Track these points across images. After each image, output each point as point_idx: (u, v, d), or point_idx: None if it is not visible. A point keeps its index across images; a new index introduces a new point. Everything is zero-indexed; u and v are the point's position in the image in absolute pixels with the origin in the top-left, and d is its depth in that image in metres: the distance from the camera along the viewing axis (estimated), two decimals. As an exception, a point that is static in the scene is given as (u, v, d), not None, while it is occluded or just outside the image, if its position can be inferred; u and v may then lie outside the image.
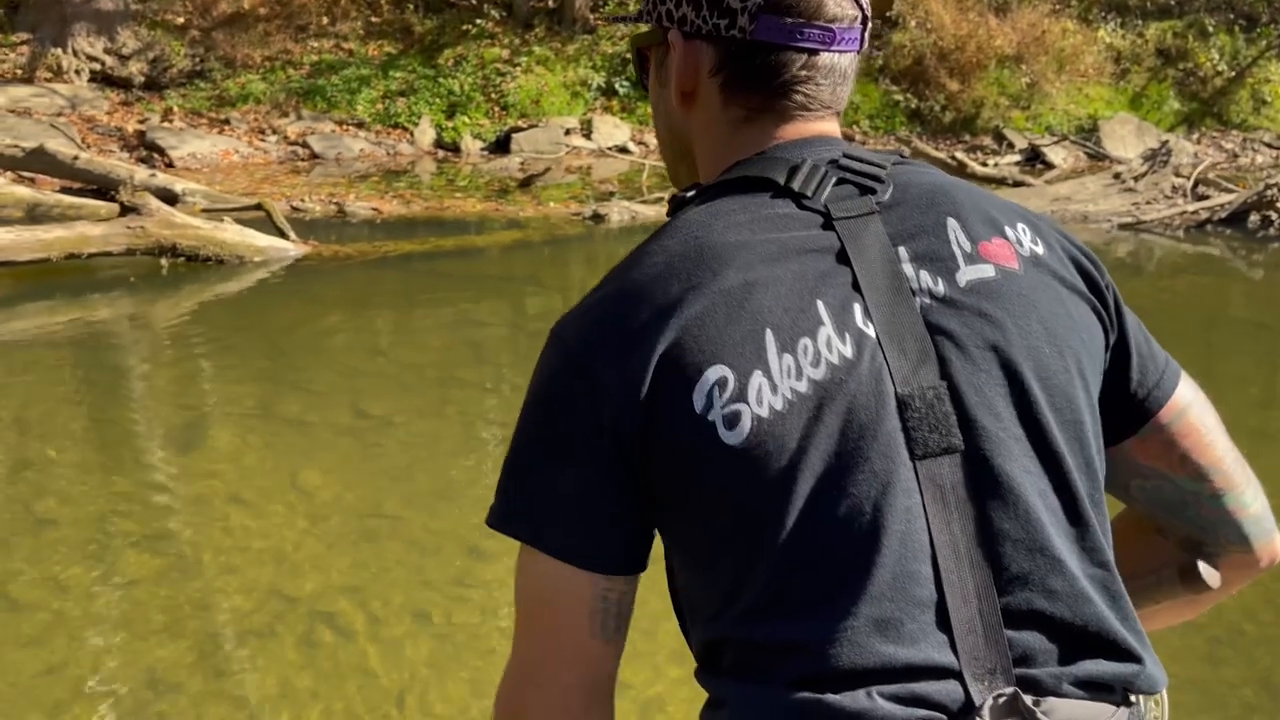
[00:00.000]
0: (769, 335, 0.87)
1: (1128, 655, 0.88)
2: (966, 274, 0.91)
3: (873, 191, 0.94)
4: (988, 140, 15.76)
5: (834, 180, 0.95)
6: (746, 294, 0.88)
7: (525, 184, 11.06)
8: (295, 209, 9.30)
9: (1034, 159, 14.75)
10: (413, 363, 5.54)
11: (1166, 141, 10.88)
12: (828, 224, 0.92)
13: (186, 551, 3.55)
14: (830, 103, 1.00)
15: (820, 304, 0.88)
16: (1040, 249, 0.95)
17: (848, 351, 0.87)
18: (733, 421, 0.85)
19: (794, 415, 0.85)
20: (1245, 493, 1.05)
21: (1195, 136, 15.77)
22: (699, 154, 1.04)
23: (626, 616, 0.93)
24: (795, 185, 0.94)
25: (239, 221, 7.39)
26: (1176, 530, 1.08)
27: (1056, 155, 14.69)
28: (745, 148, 0.99)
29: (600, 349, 0.88)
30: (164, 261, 6.90)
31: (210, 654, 2.99)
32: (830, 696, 0.82)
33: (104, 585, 3.33)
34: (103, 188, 9.21)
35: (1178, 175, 10.37)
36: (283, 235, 7.52)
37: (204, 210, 8.02)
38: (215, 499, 3.93)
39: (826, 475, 0.85)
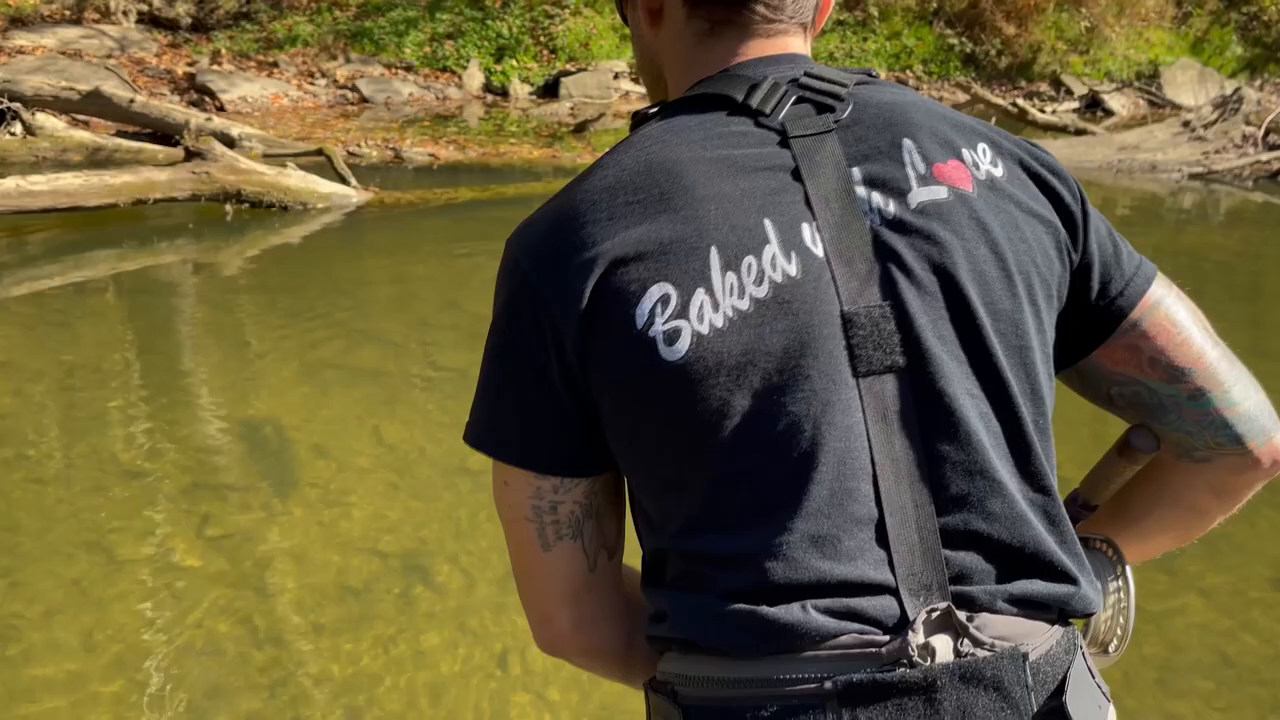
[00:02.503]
0: (713, 252, 0.87)
1: (1064, 577, 0.88)
2: (918, 195, 0.91)
3: (831, 110, 0.94)
4: (1044, 86, 15.41)
5: (793, 98, 0.94)
6: (693, 211, 0.88)
7: (579, 129, 10.94)
8: (351, 154, 9.25)
9: (1093, 106, 14.41)
10: (484, 314, 5.47)
11: (1239, 88, 10.56)
12: (784, 142, 0.92)
13: (276, 505, 3.55)
14: (794, 14, 0.99)
15: (768, 222, 0.88)
16: (999, 171, 0.94)
17: (792, 270, 0.87)
18: (673, 338, 0.86)
19: (734, 333, 0.86)
20: (1232, 390, 1.01)
21: (1258, 83, 15.33)
22: (668, 74, 1.04)
23: (590, 522, 0.97)
24: (753, 103, 0.94)
25: (299, 167, 7.34)
26: (1165, 436, 1.05)
27: (1116, 102, 14.35)
28: (709, 65, 0.99)
29: (544, 263, 0.90)
30: (228, 208, 6.88)
31: (311, 609, 2.99)
32: (765, 608, 0.83)
33: (197, 539, 3.33)
34: (158, 131, 9.20)
35: (1248, 123, 10.08)
36: (344, 181, 7.47)
37: (264, 156, 7.98)
38: (299, 451, 3.92)
39: (766, 392, 0.85)
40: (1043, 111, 12.65)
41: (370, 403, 4.36)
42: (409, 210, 7.49)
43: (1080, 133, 10.94)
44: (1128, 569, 1.08)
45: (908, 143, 0.92)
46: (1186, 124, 10.07)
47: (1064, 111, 13.53)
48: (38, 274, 6.10)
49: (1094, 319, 0.98)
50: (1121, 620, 1.06)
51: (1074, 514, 1.15)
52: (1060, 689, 0.84)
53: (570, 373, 0.90)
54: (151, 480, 3.68)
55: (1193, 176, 9.32)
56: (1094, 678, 0.89)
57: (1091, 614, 0.92)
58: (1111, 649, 1.07)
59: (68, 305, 5.58)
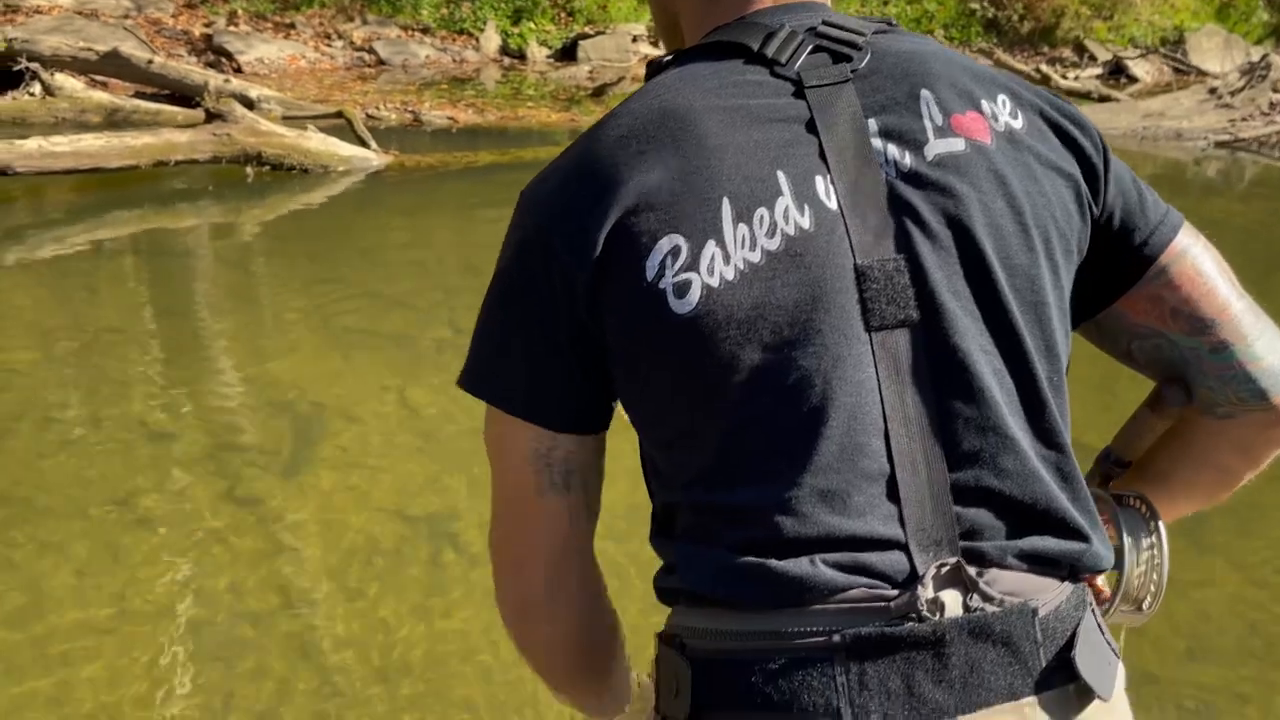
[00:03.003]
0: (725, 204, 0.86)
1: (1075, 534, 0.87)
2: (935, 148, 0.89)
3: (848, 59, 0.92)
4: (1067, 52, 15.24)
5: (810, 47, 0.92)
6: (706, 161, 0.87)
7: (598, 93, 10.87)
8: (370, 117, 9.20)
9: (1117, 72, 14.24)
10: (505, 278, 5.45)
11: (1266, 55, 10.41)
12: (799, 92, 0.90)
13: (303, 469, 3.55)
14: None
15: (781, 174, 0.87)
16: (1018, 123, 0.92)
17: (805, 223, 0.86)
18: (682, 290, 0.85)
19: (745, 285, 0.85)
20: (1256, 344, 0.99)
21: (1286, 50, 15.12)
22: (683, 21, 1.02)
23: (578, 479, 0.95)
24: (769, 52, 0.92)
25: (319, 130, 7.31)
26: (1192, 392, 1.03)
27: (1140, 69, 14.18)
28: (725, 13, 0.97)
29: (556, 216, 0.89)
30: (249, 170, 6.86)
31: (339, 573, 3.00)
32: (774, 562, 0.82)
33: (226, 501, 3.34)
34: (176, 93, 9.17)
35: (1275, 91, 9.95)
36: (364, 144, 7.44)
37: (283, 118, 7.95)
38: (325, 415, 3.93)
39: (776, 346, 0.84)
40: (1066, 78, 12.51)
41: (394, 367, 4.36)
42: (428, 174, 7.46)
43: (1104, 99, 10.82)
44: (1161, 525, 1.07)
45: (926, 94, 0.91)
46: (1213, 91, 9.95)
47: (1087, 78, 13.38)
48: (59, 235, 6.10)
49: (1116, 269, 0.97)
50: (1155, 577, 1.06)
51: (1107, 470, 1.14)
52: (1069, 645, 0.84)
53: (580, 325, 0.89)
54: (178, 443, 3.69)
55: (1218, 144, 9.22)
56: (1103, 634, 0.89)
57: (1102, 571, 0.91)
58: (1145, 606, 1.06)
59: (90, 267, 5.59)
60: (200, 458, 3.60)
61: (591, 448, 0.96)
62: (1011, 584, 0.84)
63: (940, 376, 0.85)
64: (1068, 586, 0.87)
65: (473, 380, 0.96)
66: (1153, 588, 1.06)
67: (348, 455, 3.63)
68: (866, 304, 0.85)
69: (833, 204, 0.87)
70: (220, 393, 4.11)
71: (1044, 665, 0.83)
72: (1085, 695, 0.84)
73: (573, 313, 0.88)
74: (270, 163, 6.83)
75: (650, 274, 0.85)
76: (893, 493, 0.84)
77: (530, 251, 0.90)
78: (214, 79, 9.14)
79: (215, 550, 3.08)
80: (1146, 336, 1.00)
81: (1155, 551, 1.06)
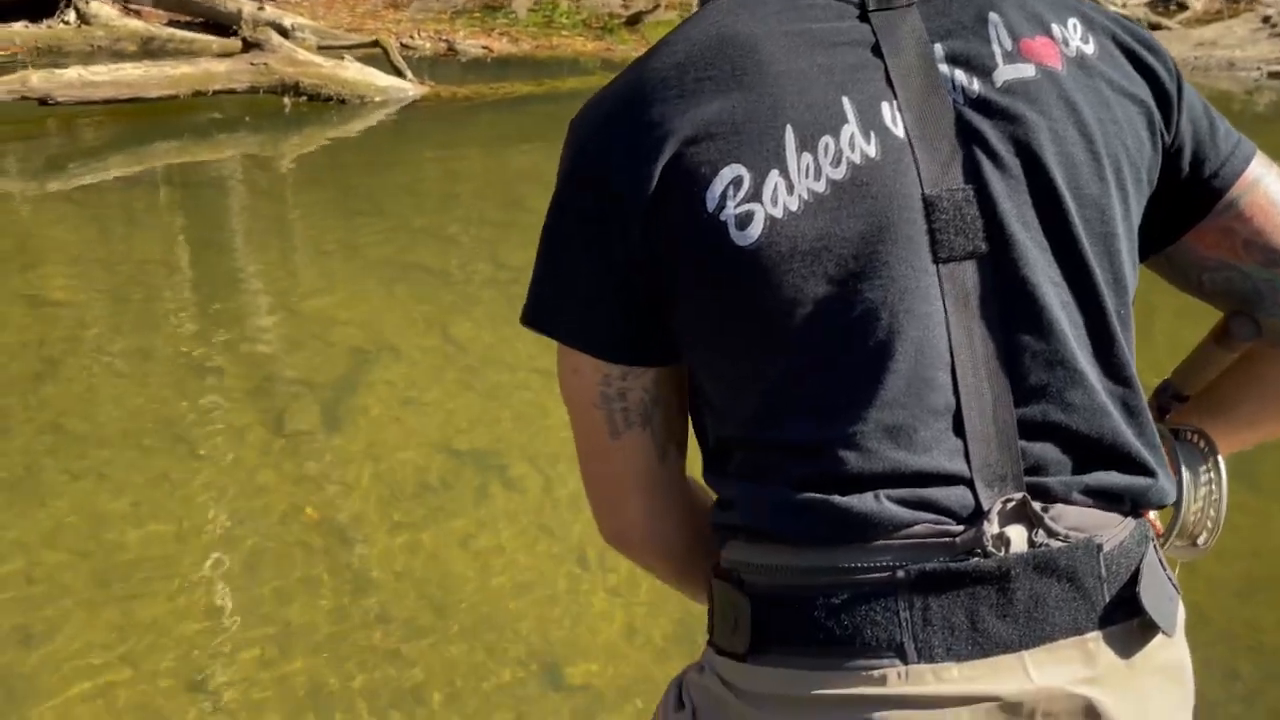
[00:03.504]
0: (789, 132, 0.83)
1: (1141, 469, 0.86)
2: (1004, 73, 0.86)
3: None
4: (1114, -23, 14.81)
5: None
6: (768, 88, 0.84)
7: (632, 22, 10.69)
8: (405, 46, 9.11)
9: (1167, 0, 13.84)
10: (544, 210, 5.42)
11: (1324, -18, 10.08)
12: (863, 16, 0.87)
13: (351, 402, 3.58)
14: None
15: (846, 100, 0.84)
16: (1090, 48, 0.89)
17: (871, 151, 0.83)
18: (745, 222, 0.82)
19: (809, 216, 0.83)
20: None
21: (1343, -25, 14.63)
22: None
23: (658, 411, 0.94)
24: None
25: (355, 60, 7.25)
26: (1261, 325, 1.00)
27: (1191, -5, 13.77)
28: None
29: (610, 145, 0.86)
30: (286, 100, 6.83)
31: (389, 505, 3.03)
32: (839, 499, 0.82)
33: (275, 434, 3.38)
34: (210, 21, 9.11)
35: (1332, 19, 9.66)
36: (400, 75, 7.38)
37: (319, 47, 7.88)
38: (371, 350, 3.94)
39: (841, 279, 0.83)
40: (1114, 4, 12.19)
41: (437, 301, 4.36)
42: (464, 105, 7.40)
43: (1155, 28, 10.54)
44: (1220, 460, 1.06)
45: (994, 17, 0.88)
46: (1266, 20, 9.67)
47: (1136, 5, 13.02)
48: (98, 165, 6.12)
49: (1187, 200, 0.94)
50: (1212, 512, 1.05)
51: (1164, 404, 1.12)
52: (1132, 580, 0.84)
53: (636, 258, 0.86)
54: (225, 376, 3.72)
55: (1271, 75, 8.98)
56: (1165, 570, 0.88)
57: (1165, 506, 0.91)
58: (1201, 541, 1.06)
59: (128, 198, 5.61)
60: (249, 391, 3.63)
61: (666, 378, 0.94)
62: (1076, 519, 0.83)
63: (1008, 309, 0.84)
64: (1130, 521, 0.86)
65: (534, 316, 0.94)
66: (1209, 523, 1.05)
67: (394, 389, 3.65)
68: (934, 235, 0.83)
69: (899, 131, 0.84)
70: (264, 325, 4.14)
71: (1108, 600, 0.83)
72: (1148, 630, 0.84)
73: (629, 246, 0.86)
74: (307, 93, 6.79)
75: (711, 205, 0.83)
76: (958, 428, 0.83)
77: (583, 184, 0.88)
78: (248, 5, 9.06)
79: (265, 481, 3.12)
80: (1218, 269, 0.98)
81: (1213, 487, 1.05)
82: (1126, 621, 0.83)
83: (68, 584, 2.66)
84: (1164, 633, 0.85)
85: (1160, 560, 0.88)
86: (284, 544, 2.85)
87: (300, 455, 3.27)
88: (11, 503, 2.96)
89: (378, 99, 7.09)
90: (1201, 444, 1.06)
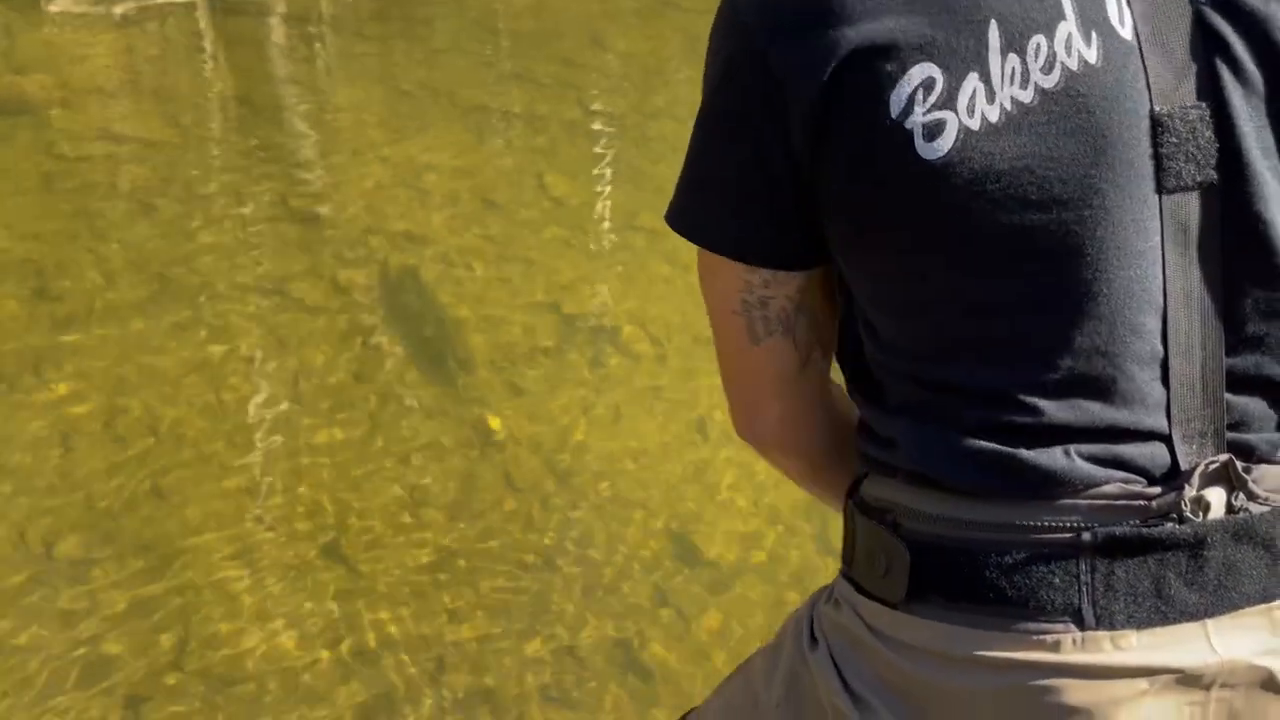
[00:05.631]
0: (993, 28, 0.72)
1: None
2: None
3: None
4: None
5: None
6: None
7: None
8: None
9: None
10: (630, 53, 5.24)
11: None
12: None
13: (453, 257, 3.52)
14: None
15: None
16: None
17: (1091, 56, 0.72)
18: (934, 132, 0.73)
19: (1012, 131, 0.72)
20: None
21: None
22: None
23: (803, 317, 0.88)
24: None
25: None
26: None
27: None
28: None
29: (778, 22, 0.76)
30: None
31: (505, 368, 3.01)
32: (1024, 452, 0.75)
33: (381, 287, 3.34)
34: None
35: None
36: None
37: None
38: (467, 200, 3.86)
39: (1044, 205, 0.73)
40: None
41: (528, 150, 4.24)
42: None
43: None
44: None
45: None
46: None
47: None
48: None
49: None
50: None
51: None
52: None
53: (796, 159, 0.77)
54: (325, 226, 3.67)
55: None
56: None
57: None
58: None
59: (197, 26, 5.43)
60: (349, 240, 3.57)
61: (814, 284, 0.87)
62: (1276, 481, 0.78)
63: (1234, 250, 0.75)
64: None
65: (679, 219, 0.87)
66: None
67: (496, 245, 3.59)
68: (1161, 161, 0.73)
69: (1126, 32, 0.73)
70: (360, 172, 4.05)
71: None
72: None
73: (788, 142, 0.77)
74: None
75: (895, 109, 0.73)
76: (1164, 378, 0.76)
77: (741, 71, 0.78)
78: None
79: (377, 339, 3.10)
80: None
81: None
82: None
83: (189, 440, 2.68)
84: None
85: None
86: (401, 406, 2.85)
87: (409, 312, 3.24)
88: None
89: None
90: None
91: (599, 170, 4.10)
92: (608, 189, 3.93)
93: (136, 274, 3.30)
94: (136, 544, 2.38)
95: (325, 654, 2.16)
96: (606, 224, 3.72)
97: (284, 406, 2.82)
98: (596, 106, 4.64)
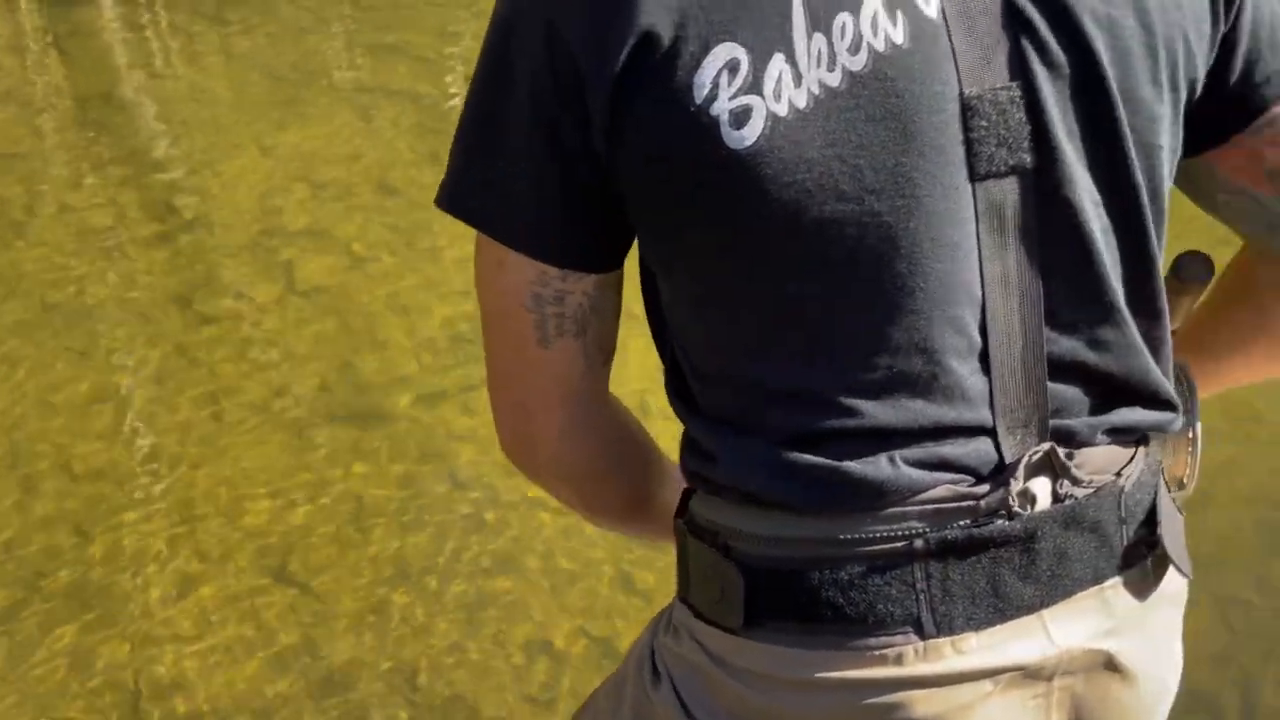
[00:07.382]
0: (797, 6, 0.67)
1: (1166, 404, 0.81)
2: None
3: None
4: None
5: None
6: None
7: None
8: None
9: None
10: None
11: None
12: None
13: (362, 253, 3.40)
14: None
15: None
16: None
17: (898, 36, 0.69)
18: (741, 119, 0.68)
19: (820, 117, 0.68)
20: None
21: None
22: None
23: (594, 319, 0.79)
24: None
25: None
26: (1274, 260, 0.90)
27: None
28: None
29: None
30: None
31: (430, 367, 2.93)
32: (849, 464, 0.72)
33: (285, 291, 3.20)
34: None
35: None
36: None
37: None
38: (359, 189, 3.73)
39: (855, 196, 0.69)
40: None
41: (421, 131, 4.11)
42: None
43: None
44: (1196, 402, 0.97)
45: None
46: None
47: None
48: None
49: (1218, 110, 0.81)
50: (1192, 450, 0.96)
51: None
52: (1150, 519, 0.80)
53: (591, 143, 0.71)
54: (216, 230, 3.49)
55: None
56: (1175, 502, 0.84)
57: (1172, 432, 0.84)
58: (1186, 480, 0.97)
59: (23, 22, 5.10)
60: (243, 246, 3.41)
61: (610, 284, 0.80)
62: (1099, 461, 0.78)
63: (1047, 236, 0.73)
64: (1141, 451, 0.80)
65: (455, 198, 0.76)
66: (1193, 464, 0.96)
67: (400, 235, 3.47)
68: (972, 146, 0.70)
69: (933, 12, 0.70)
70: (248, 167, 3.86)
71: (1127, 543, 0.78)
72: (1160, 566, 0.81)
73: (582, 123, 0.70)
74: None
75: (699, 94, 0.67)
76: (985, 369, 0.74)
77: (527, 34, 0.70)
78: None
79: (293, 346, 2.97)
80: (1234, 193, 0.86)
81: (1196, 426, 0.96)
82: (1142, 562, 0.80)
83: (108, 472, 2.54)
84: (1182, 574, 0.81)
85: (1169, 492, 0.84)
86: (331, 416, 2.74)
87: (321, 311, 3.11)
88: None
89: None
90: (1183, 384, 0.97)
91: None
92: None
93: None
94: (65, 591, 2.25)
95: (288, 684, 2.08)
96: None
97: (204, 430, 2.69)
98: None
